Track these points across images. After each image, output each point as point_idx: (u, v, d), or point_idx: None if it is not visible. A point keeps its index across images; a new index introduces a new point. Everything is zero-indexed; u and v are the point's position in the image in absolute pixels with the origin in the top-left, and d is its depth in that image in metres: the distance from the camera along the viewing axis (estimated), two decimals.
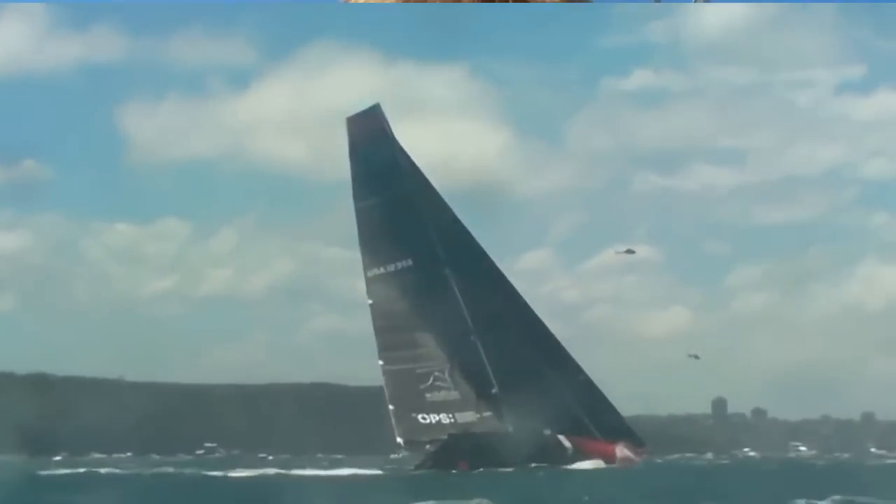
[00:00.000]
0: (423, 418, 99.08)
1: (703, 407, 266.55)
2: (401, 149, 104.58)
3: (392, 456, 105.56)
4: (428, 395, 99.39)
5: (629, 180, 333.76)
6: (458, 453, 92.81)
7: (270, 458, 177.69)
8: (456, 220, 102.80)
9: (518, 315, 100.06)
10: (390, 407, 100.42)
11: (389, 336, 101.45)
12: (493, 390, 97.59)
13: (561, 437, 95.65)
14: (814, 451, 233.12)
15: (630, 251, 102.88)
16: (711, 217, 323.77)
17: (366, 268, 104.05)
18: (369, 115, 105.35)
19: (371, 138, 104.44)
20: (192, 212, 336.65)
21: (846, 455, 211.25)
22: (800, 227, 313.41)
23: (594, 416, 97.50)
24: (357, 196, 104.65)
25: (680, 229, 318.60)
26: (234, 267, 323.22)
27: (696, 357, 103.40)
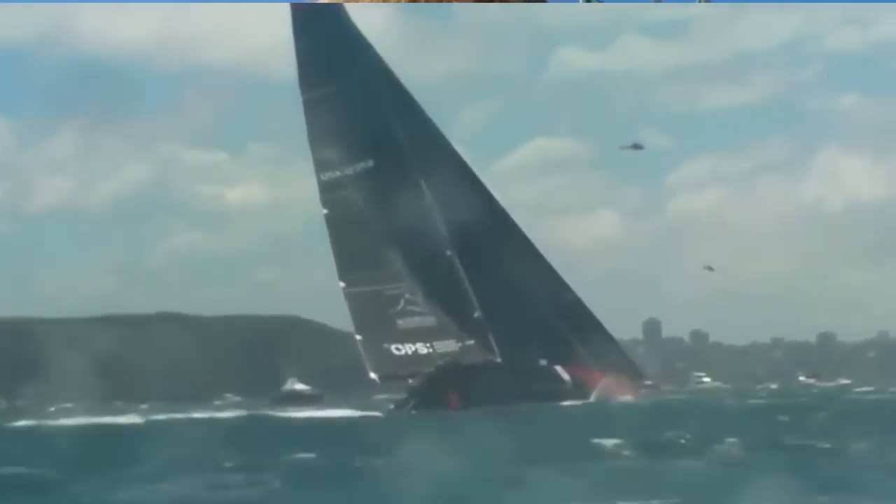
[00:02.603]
0: (397, 349, 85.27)
1: (633, 331, 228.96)
2: (356, 29, 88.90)
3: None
4: (399, 322, 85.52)
5: (545, 61, 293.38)
6: (448, 388, 79.63)
7: (52, 409, 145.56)
8: (423, 116, 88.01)
9: (498, 226, 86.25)
10: (357, 337, 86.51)
11: (350, 253, 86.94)
12: (476, 314, 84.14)
13: (559, 369, 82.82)
14: (718, 383, 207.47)
15: (637, 146, 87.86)
16: (648, 103, 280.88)
17: (318, 170, 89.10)
18: None
19: (320, 17, 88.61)
20: (18, 108, 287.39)
21: (773, 386, 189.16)
22: (753, 111, 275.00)
23: (587, 344, 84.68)
24: (304, 85, 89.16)
25: (611, 118, 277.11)
26: (73, 174, 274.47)
27: (710, 269, 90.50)
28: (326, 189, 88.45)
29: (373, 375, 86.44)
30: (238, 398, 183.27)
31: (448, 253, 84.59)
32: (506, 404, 76.41)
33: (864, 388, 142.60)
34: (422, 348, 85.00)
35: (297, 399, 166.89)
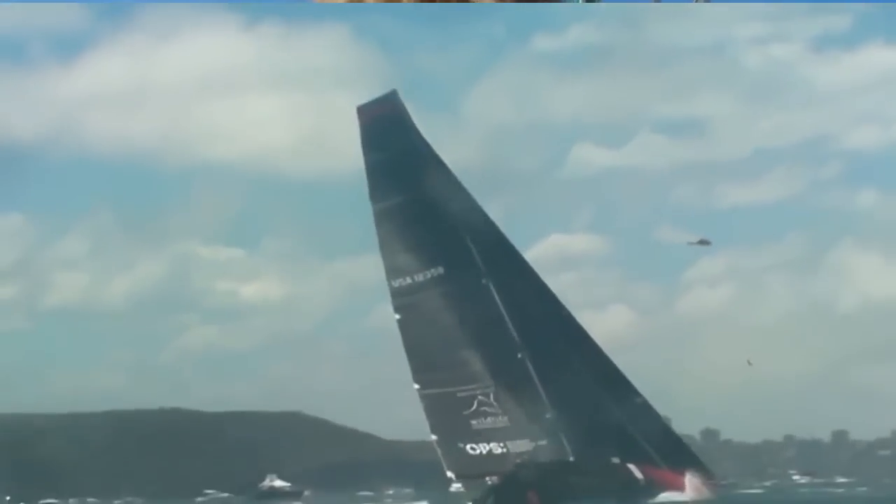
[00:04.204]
0: (472, 448, 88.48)
1: None
2: (424, 141, 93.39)
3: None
4: (473, 423, 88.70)
5: (560, 158, 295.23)
6: (527, 486, 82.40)
7: None
8: (490, 223, 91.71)
9: (566, 330, 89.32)
10: (433, 437, 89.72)
11: (423, 356, 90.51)
12: (548, 415, 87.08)
13: (631, 467, 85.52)
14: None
15: (705, 242, 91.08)
16: (664, 199, 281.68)
17: (389, 277, 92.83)
18: (385, 104, 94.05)
19: (388, 130, 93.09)
20: (30, 205, 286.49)
21: (767, 484, 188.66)
22: (770, 209, 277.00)
23: (656, 444, 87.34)
24: (375, 196, 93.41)
25: (626, 215, 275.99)
26: (87, 272, 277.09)
27: (750, 363, 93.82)
28: (398, 295, 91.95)
29: (449, 474, 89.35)
30: (225, 494, 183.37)
31: (520, 355, 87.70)
32: (583, 501, 79.79)
33: (861, 489, 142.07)
34: (496, 448, 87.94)
35: (277, 496, 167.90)
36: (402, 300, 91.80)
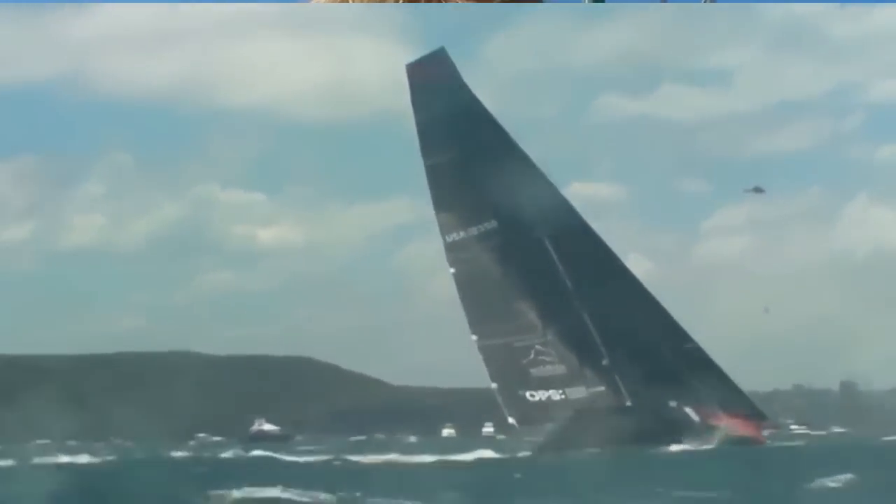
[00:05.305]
0: (532, 395, 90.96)
1: None
2: (473, 96, 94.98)
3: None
4: (532, 371, 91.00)
5: (585, 106, 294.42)
6: (588, 430, 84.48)
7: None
8: (540, 175, 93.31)
9: (619, 278, 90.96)
10: (493, 385, 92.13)
11: (479, 308, 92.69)
12: (604, 361, 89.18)
13: (688, 410, 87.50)
14: None
15: (759, 189, 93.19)
16: (687, 149, 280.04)
17: (443, 232, 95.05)
18: (434, 61, 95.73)
19: (438, 86, 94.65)
20: (47, 146, 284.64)
21: (765, 433, 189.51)
22: (793, 160, 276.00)
23: (710, 388, 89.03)
24: (426, 152, 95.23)
25: (648, 164, 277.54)
26: (105, 214, 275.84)
27: (768, 311, 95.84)
28: (452, 249, 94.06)
29: (511, 420, 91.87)
30: (216, 438, 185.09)
31: (575, 304, 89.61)
32: (641, 444, 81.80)
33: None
34: (555, 395, 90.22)
35: (266, 440, 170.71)
36: (457, 255, 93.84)
